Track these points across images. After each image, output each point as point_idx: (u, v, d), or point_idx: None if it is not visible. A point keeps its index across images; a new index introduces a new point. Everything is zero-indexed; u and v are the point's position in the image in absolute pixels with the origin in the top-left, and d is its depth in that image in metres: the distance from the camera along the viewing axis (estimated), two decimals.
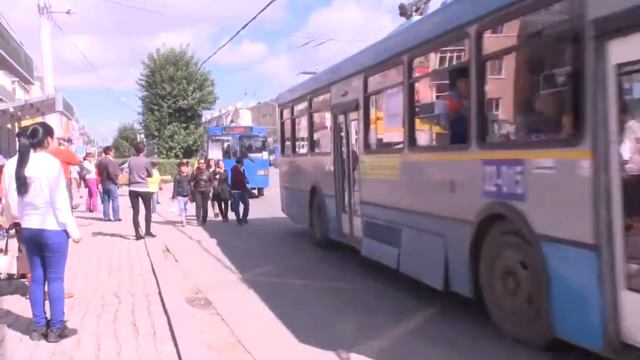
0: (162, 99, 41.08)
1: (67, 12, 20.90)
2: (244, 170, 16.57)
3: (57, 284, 5.48)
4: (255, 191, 24.07)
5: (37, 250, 5.45)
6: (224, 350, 5.65)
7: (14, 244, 7.58)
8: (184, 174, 15.72)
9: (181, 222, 15.36)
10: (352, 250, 9.65)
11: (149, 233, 12.34)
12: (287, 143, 14.08)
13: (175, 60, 41.70)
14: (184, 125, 41.74)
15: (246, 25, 29.79)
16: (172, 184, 17.26)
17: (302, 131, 13.11)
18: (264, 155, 25.74)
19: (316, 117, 12.11)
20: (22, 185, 5.21)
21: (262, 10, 19.10)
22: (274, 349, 5.72)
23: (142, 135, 44.85)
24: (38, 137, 5.36)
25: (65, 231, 5.42)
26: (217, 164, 17.37)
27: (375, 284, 8.30)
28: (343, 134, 10.00)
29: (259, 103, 73.81)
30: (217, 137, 25.33)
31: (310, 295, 7.86)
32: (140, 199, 12.36)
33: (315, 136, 12.23)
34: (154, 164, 16.16)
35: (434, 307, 6.85)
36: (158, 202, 18.73)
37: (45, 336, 5.39)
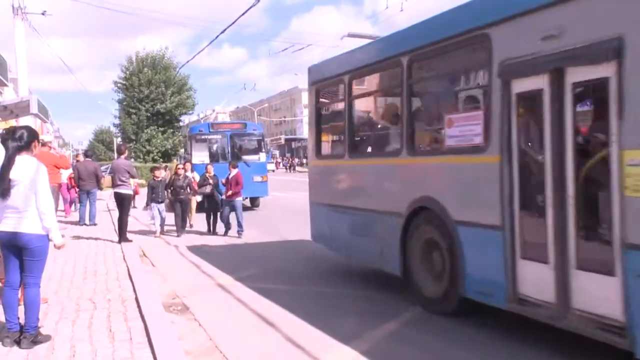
0: (139, 102, 41.04)
1: (43, 14, 20.74)
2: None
3: (34, 289, 5.39)
4: (247, 201, 20.39)
5: (15, 253, 5.36)
6: (201, 355, 5.64)
7: None
8: (159, 179, 14.24)
9: (155, 232, 14.13)
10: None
11: (124, 238, 12.26)
12: (329, 138, 10.37)
13: (154, 64, 41.71)
14: (162, 129, 41.71)
15: (225, 29, 30.35)
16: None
17: (379, 117, 9.19)
18: (261, 157, 21.14)
19: (424, 91, 7.95)
20: (6, 188, 5.14)
21: (242, 15, 19.15)
22: (252, 354, 5.76)
23: (119, 139, 44.82)
24: (24, 139, 5.31)
25: (47, 236, 5.36)
26: (205, 169, 15.28)
27: (363, 290, 8.34)
28: (535, 116, 5.60)
29: (237, 107, 73.69)
30: (202, 136, 20.52)
31: (291, 299, 7.87)
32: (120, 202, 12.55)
33: (424, 122, 7.92)
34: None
35: (412, 312, 7.06)
36: (134, 207, 17.81)
37: (18, 342, 5.27)
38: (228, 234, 14.03)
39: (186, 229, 14.91)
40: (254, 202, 21.32)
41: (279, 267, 10.31)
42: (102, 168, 29.50)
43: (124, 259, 10.28)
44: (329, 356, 5.65)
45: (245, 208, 17.00)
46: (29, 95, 17.20)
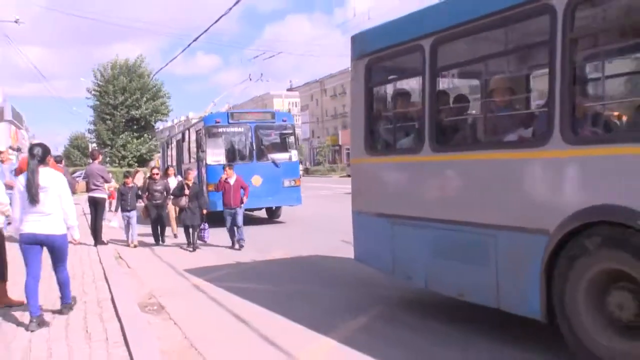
0: (114, 109, 41.34)
1: (16, 22, 20.67)
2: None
3: (64, 272, 6.59)
4: (264, 211, 17.21)
5: (36, 250, 6.22)
6: (177, 354, 5.65)
7: None
8: (129, 185, 13.24)
9: (126, 242, 13.11)
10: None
11: (100, 241, 12.38)
12: (392, 126, 7.38)
13: (129, 71, 42.00)
14: (137, 134, 42.04)
15: (198, 37, 30.44)
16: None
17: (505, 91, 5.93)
18: (293, 156, 16.49)
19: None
20: (35, 194, 5.98)
21: (214, 23, 19.30)
22: (227, 351, 5.79)
23: (94, 144, 45.15)
24: (40, 155, 6.18)
25: (66, 234, 6.37)
26: (183, 175, 13.05)
27: (332, 289, 8.42)
28: None
29: (211, 113, 73.81)
30: (219, 129, 15.68)
31: (263, 298, 7.92)
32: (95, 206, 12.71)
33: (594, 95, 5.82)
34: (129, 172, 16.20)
35: (380, 308, 7.19)
36: (110, 210, 17.25)
37: (42, 323, 6.09)
38: (235, 248, 12.25)
39: (165, 240, 13.54)
40: (275, 213, 17.19)
41: (250, 267, 10.37)
42: (77, 174, 29.44)
43: (100, 261, 10.30)
44: (304, 349, 5.71)
45: (256, 221, 15.91)
46: (2, 102, 17.15)
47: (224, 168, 12.72)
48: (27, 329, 6.01)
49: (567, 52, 4.73)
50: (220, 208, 13.35)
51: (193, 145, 17.64)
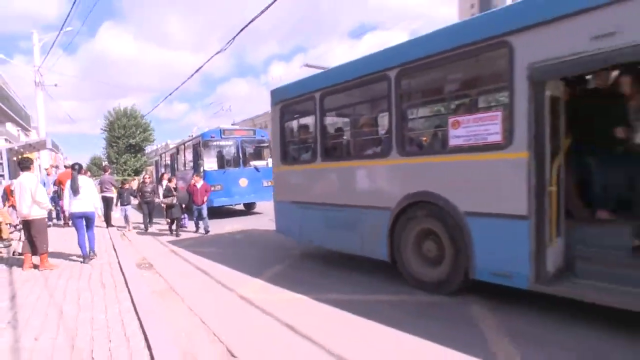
0: (118, 139, 44.53)
1: (55, 85, 22.30)
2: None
3: (92, 232, 8.03)
4: (241, 206, 16.31)
5: (82, 220, 7.82)
6: (162, 294, 5.92)
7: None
8: (125, 188, 13.30)
9: (126, 227, 12.93)
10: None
11: (110, 225, 13.06)
12: (297, 147, 7.93)
13: (127, 115, 45.06)
14: (133, 155, 45.07)
15: (172, 93, 33.53)
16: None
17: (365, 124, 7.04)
18: (269, 162, 15.90)
19: (421, 97, 6.28)
20: (76, 190, 7.63)
21: (182, 84, 19.83)
22: (193, 289, 6.03)
23: (106, 162, 48.48)
24: (78, 169, 7.93)
25: (94, 211, 7.96)
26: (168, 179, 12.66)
27: (259, 250, 8.62)
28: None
29: (181, 140, 73.30)
30: (214, 142, 15.19)
31: (216, 256, 8.14)
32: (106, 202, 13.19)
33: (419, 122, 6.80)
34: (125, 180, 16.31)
35: (290, 260, 7.51)
36: (116, 205, 17.38)
37: (86, 258, 7.75)
38: (198, 232, 11.79)
39: (152, 226, 13.45)
40: (251, 206, 16.42)
41: (209, 239, 10.51)
42: (95, 181, 29.26)
43: (110, 238, 10.49)
44: (241, 286, 6.01)
45: (238, 213, 15.36)
46: (45, 137, 17.86)
47: (195, 175, 11.95)
48: (82, 262, 7.71)
49: (397, 103, 5.59)
50: (217, 204, 13.87)
51: (189, 156, 16.69)
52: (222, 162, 14.58)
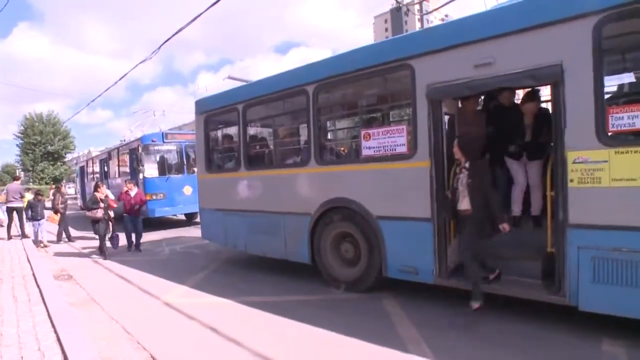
0: (34, 146, 41.73)
1: None
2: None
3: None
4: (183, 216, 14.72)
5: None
6: (81, 304, 5.71)
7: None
8: (39, 200, 11.62)
9: (38, 245, 11.15)
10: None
11: (24, 235, 12.14)
12: (221, 156, 7.89)
13: (44, 120, 42.53)
14: (52, 162, 42.39)
15: (95, 99, 30.92)
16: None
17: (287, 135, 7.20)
18: None
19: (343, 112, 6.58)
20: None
21: (107, 90, 18.93)
22: (117, 301, 5.85)
23: (20, 170, 44.91)
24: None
25: None
26: (96, 187, 9.76)
27: (183, 256, 8.61)
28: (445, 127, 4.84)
29: (106, 147, 69.42)
30: (155, 147, 13.19)
31: (142, 265, 7.98)
32: (15, 212, 12.29)
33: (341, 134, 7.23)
34: (28, 189, 14.90)
35: (215, 266, 7.49)
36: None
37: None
38: (131, 250, 9.79)
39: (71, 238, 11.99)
40: (192, 216, 14.50)
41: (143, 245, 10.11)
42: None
43: (24, 249, 9.90)
44: (167, 293, 5.96)
45: (180, 224, 13.83)
46: None
47: (127, 182, 10.29)
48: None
49: (315, 115, 5.79)
50: (159, 214, 12.33)
51: (123, 162, 14.88)
52: (164, 168, 13.04)
